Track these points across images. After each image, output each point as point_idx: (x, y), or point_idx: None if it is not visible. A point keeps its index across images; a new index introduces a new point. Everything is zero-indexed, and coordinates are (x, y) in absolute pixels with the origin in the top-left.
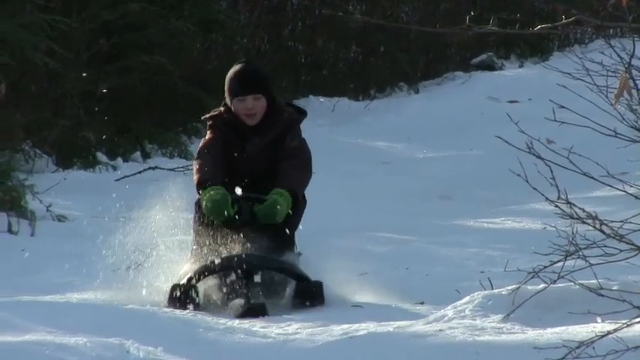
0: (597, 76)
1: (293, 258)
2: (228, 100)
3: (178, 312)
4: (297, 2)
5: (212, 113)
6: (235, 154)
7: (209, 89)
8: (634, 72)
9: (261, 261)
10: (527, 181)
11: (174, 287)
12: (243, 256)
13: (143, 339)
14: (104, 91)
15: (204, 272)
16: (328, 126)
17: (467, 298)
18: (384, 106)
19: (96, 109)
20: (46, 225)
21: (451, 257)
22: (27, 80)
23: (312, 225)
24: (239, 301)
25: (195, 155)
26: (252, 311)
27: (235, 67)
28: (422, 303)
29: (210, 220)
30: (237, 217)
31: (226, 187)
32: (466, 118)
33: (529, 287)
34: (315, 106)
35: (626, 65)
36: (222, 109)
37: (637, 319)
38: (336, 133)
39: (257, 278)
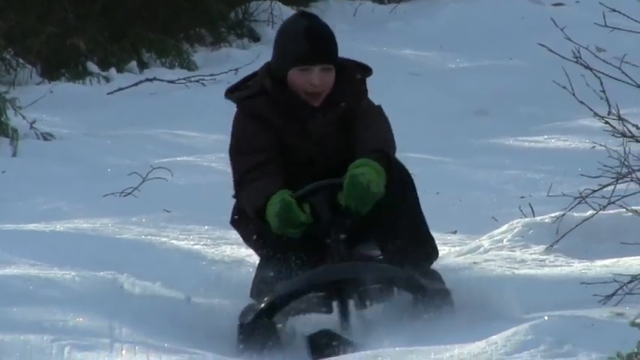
0: None
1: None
2: (280, 64)
3: (178, 243)
4: None
5: (244, 91)
6: (294, 143)
7: None
8: None
9: (356, 272)
10: (573, 95)
11: (245, 327)
12: (337, 267)
13: (139, 273)
14: None
15: (276, 304)
16: (349, 32)
17: (505, 227)
18: (412, 10)
19: (87, 13)
20: (29, 144)
21: (487, 181)
22: None
23: None
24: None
25: (235, 174)
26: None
27: (296, 23)
28: (454, 232)
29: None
30: (316, 220)
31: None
32: (505, 23)
33: (575, 214)
34: (335, 9)
35: None
36: (265, 81)
37: None
38: (358, 40)
39: (353, 301)
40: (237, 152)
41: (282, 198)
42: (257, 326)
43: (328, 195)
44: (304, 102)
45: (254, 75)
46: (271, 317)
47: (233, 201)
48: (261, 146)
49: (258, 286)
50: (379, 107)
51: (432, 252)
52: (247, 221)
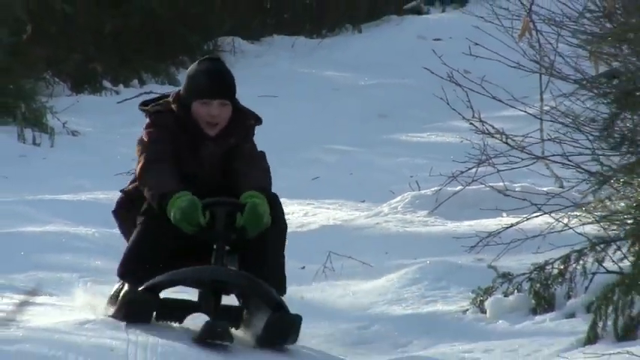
0: (504, 19)
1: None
2: (187, 96)
3: None
4: None
5: (156, 107)
6: (187, 160)
7: (191, 28)
8: (534, 16)
9: (236, 278)
10: (448, 104)
11: (128, 296)
12: (214, 270)
13: None
14: (109, 30)
15: (168, 283)
16: (289, 59)
17: (399, 198)
18: (334, 42)
19: (102, 46)
20: (62, 138)
21: (387, 165)
22: (48, 22)
23: (277, 140)
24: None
25: (143, 158)
26: (214, 334)
27: (202, 64)
28: (363, 201)
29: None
30: (210, 227)
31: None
32: (399, 52)
33: (449, 189)
34: (278, 42)
35: (528, 10)
36: (173, 105)
37: (534, 214)
38: (296, 64)
39: (227, 298)
40: (147, 143)
41: (190, 197)
42: (142, 296)
43: (228, 211)
44: (202, 130)
45: (165, 96)
46: (156, 293)
47: None
48: (165, 151)
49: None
50: (262, 152)
51: (279, 287)
52: (129, 213)
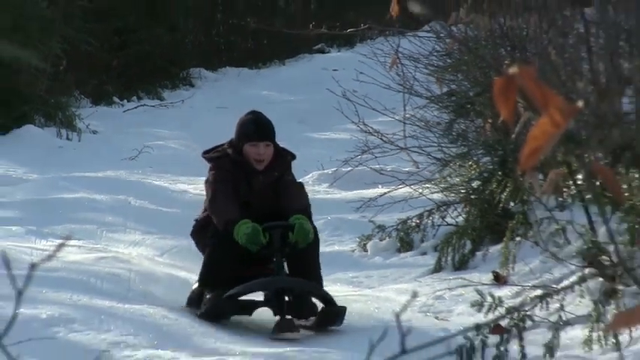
0: (380, 56)
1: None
2: (238, 141)
3: (156, 182)
4: (220, 17)
5: (215, 154)
6: (242, 191)
7: (171, 62)
8: (400, 54)
9: (296, 284)
10: (342, 113)
11: (214, 300)
12: (282, 278)
13: (139, 196)
14: (116, 64)
15: (245, 291)
16: (237, 83)
17: (310, 175)
18: (267, 72)
19: (112, 74)
20: (86, 136)
21: (302, 153)
22: (76, 58)
23: (227, 138)
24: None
25: (210, 193)
26: (285, 328)
27: (248, 116)
28: None
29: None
30: (269, 244)
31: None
32: (311, 78)
33: (343, 169)
34: (230, 72)
35: (396, 50)
36: (228, 150)
37: (400, 186)
38: (241, 87)
39: (287, 298)
40: (212, 181)
41: (252, 225)
42: (225, 302)
43: (281, 232)
44: (252, 166)
45: (220, 145)
46: (236, 299)
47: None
48: (227, 187)
49: (207, 275)
50: (301, 183)
51: (320, 284)
52: (202, 235)
